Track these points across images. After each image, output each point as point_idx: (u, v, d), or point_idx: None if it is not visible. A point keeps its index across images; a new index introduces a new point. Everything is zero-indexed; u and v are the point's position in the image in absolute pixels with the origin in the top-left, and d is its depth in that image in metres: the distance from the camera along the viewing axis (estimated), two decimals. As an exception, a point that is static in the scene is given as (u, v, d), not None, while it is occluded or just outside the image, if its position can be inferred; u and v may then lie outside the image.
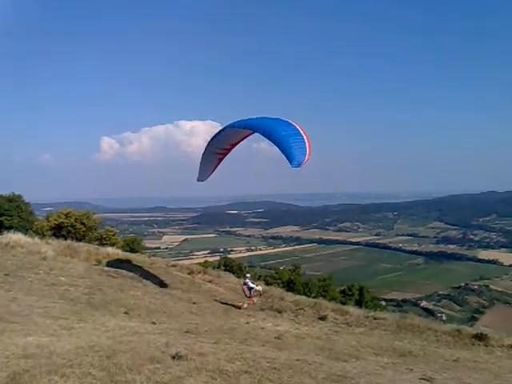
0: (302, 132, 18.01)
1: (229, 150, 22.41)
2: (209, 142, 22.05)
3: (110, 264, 25.79)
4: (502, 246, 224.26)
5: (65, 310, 14.34)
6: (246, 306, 22.15)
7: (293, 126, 18.25)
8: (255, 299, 22.36)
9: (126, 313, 15.97)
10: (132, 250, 41.90)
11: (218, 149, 21.95)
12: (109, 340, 10.98)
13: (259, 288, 22.61)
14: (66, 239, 31.49)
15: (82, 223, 39.52)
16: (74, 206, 47.81)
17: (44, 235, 34.37)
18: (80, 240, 36.06)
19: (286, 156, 17.10)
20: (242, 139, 21.95)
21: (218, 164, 22.57)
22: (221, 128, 22.00)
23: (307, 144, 17.41)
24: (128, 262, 28.02)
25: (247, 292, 22.00)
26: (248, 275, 23.54)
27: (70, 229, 38.71)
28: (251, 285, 22.02)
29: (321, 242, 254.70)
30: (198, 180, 22.57)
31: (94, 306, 16.09)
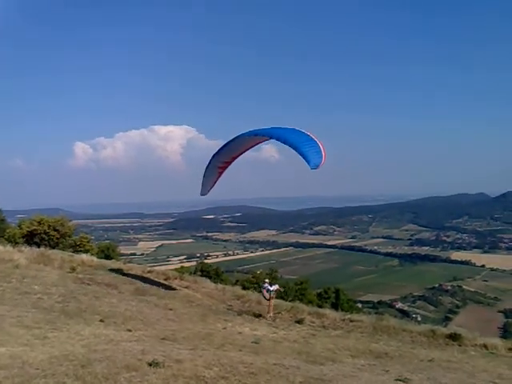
0: (315, 138, 19.18)
1: (229, 164, 23.06)
2: (213, 156, 22.55)
3: (84, 271, 25.41)
4: (474, 247, 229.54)
5: (38, 318, 14.06)
6: (271, 314, 22.08)
7: (306, 133, 19.48)
8: (272, 301, 22.32)
9: (101, 320, 15.74)
10: (107, 257, 41.33)
11: (220, 162, 22.57)
12: (83, 349, 10.83)
13: (277, 286, 22.63)
14: (39, 247, 30.94)
15: (56, 230, 38.85)
16: (47, 213, 46.90)
17: (16, 243, 33.64)
18: (54, 247, 35.47)
19: (304, 159, 18.29)
20: (246, 150, 22.66)
21: (219, 177, 23.25)
22: (225, 141, 22.48)
23: (322, 148, 18.69)
24: (103, 268, 27.65)
25: (266, 295, 22.12)
26: (267, 280, 23.43)
27: (44, 236, 38.01)
28: (270, 288, 22.06)
29: (297, 245, 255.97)
30: (202, 194, 23.43)
31: (68, 314, 15.82)
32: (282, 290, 23.90)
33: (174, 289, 26.33)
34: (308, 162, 18.12)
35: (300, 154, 18.51)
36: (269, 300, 22.11)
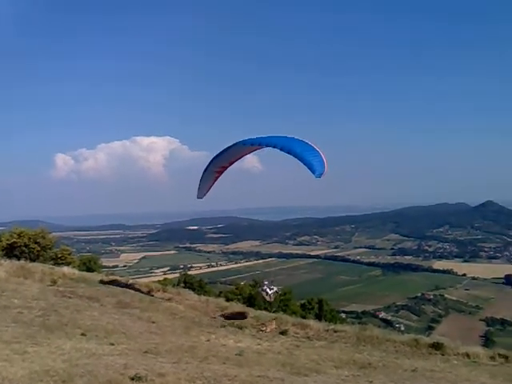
0: (315, 147, 19.69)
1: (225, 168, 23.41)
2: (211, 161, 22.91)
3: (65, 284, 25.07)
4: (456, 256, 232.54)
5: (18, 333, 13.81)
6: (268, 329, 22.15)
7: (306, 142, 19.98)
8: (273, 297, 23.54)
9: (82, 334, 15.51)
10: (89, 270, 40.78)
11: (217, 167, 22.93)
12: (64, 363, 10.66)
13: (275, 289, 23.67)
14: (19, 259, 30.39)
15: (37, 242, 38.25)
16: (27, 225, 46.22)
17: (-5, 256, 33.03)
18: (34, 260, 34.86)
19: (309, 168, 18.83)
20: (242, 157, 23.22)
21: (214, 182, 23.65)
22: (223, 148, 22.81)
23: (323, 157, 19.22)
24: (84, 281, 27.31)
25: (267, 297, 23.18)
26: (266, 282, 24.16)
27: (24, 249, 37.38)
28: (269, 291, 23.11)
29: (281, 256, 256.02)
30: (198, 197, 23.79)
31: (49, 328, 15.56)
32: (279, 292, 24.61)
33: (157, 301, 26.10)
34: (313, 171, 18.62)
35: (304, 164, 19.01)
36: (269, 302, 23.32)
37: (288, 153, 19.51)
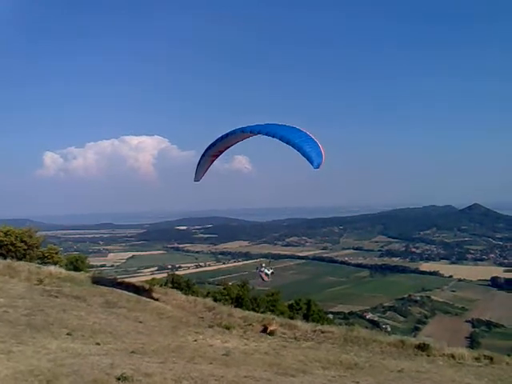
0: (313, 137, 19.74)
1: (222, 153, 23.78)
2: (209, 147, 23.15)
3: (52, 283, 24.87)
4: (442, 258, 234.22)
5: (3, 332, 13.69)
6: (271, 328, 22.34)
7: (305, 132, 20.02)
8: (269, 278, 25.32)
9: (68, 334, 15.41)
10: (76, 269, 40.44)
11: (213, 151, 23.30)
12: (50, 363, 10.59)
13: (272, 270, 25.46)
14: (5, 258, 30.10)
15: (23, 241, 37.89)
16: (15, 224, 45.69)
17: (-19, 255, 32.71)
18: (21, 259, 34.51)
19: (307, 159, 18.87)
20: (239, 142, 23.25)
21: (211, 165, 24.19)
22: (223, 134, 22.95)
23: (321, 147, 19.31)
24: (71, 280, 27.10)
25: (265, 277, 24.70)
26: (263, 264, 25.61)
27: (10, 247, 37.00)
28: (267, 271, 24.89)
29: (269, 256, 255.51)
30: (195, 181, 24.49)
31: (35, 327, 15.43)
32: (274, 273, 26.11)
33: (145, 301, 25.99)
34: (311, 162, 18.67)
35: (302, 154, 19.03)
36: (265, 281, 25.01)
37: (286, 143, 19.54)
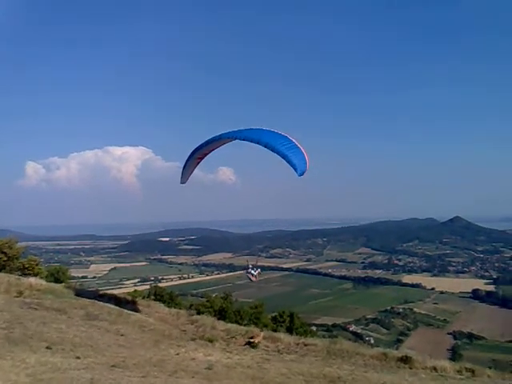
0: (298, 144, 19.82)
1: (206, 155, 24.01)
2: (195, 150, 23.33)
3: (32, 295, 24.46)
4: (424, 271, 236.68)
5: (-20, 346, 13.41)
6: (257, 340, 22.21)
7: (289, 138, 20.06)
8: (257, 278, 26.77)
9: (48, 347, 15.13)
10: (57, 280, 39.86)
11: (199, 154, 23.53)
12: (28, 378, 10.40)
13: (259, 270, 27.08)
14: (-17, 270, 29.59)
15: (3, 252, 37.25)
16: (-6, 234, 44.94)
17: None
18: (0, 270, 33.95)
19: (291, 166, 19.00)
20: (223, 145, 23.48)
21: (196, 166, 24.55)
22: (207, 138, 23.21)
23: (305, 154, 19.43)
24: (52, 293, 26.69)
25: (253, 278, 26.05)
26: (250, 265, 27.03)
27: (-11, 259, 36.36)
28: (254, 272, 26.27)
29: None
30: (181, 183, 24.68)
31: (13, 341, 15.13)
32: (261, 272, 28.03)
33: (127, 313, 25.69)
34: (295, 169, 18.83)
35: (287, 161, 19.15)
36: (253, 281, 26.65)
37: (271, 150, 19.63)
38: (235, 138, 21.66)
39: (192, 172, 24.88)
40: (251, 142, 20.76)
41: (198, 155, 23.91)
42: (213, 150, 23.97)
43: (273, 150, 19.60)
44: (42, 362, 12.68)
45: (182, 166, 24.78)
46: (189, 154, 24.26)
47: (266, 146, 19.81)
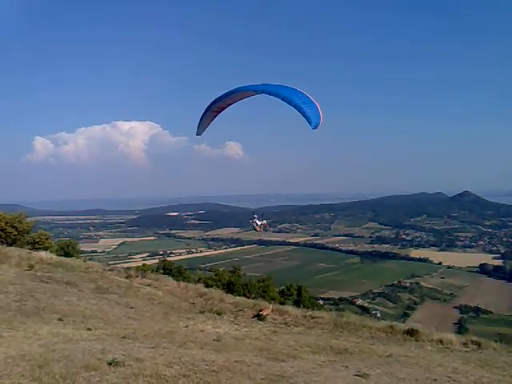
0: (313, 100, 19.83)
1: (224, 109, 23.80)
2: (213, 102, 23.18)
3: (43, 269, 24.82)
4: (432, 245, 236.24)
5: (-7, 318, 13.68)
6: (265, 313, 22.64)
7: (306, 94, 20.11)
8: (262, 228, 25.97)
9: (59, 319, 15.43)
10: (67, 255, 40.40)
11: (216, 107, 23.35)
12: (41, 348, 10.61)
13: (264, 222, 26.26)
14: (-5, 244, 29.99)
15: (14, 227, 37.69)
16: (5, 209, 45.36)
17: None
18: (11, 244, 34.39)
19: (306, 119, 19.13)
20: (241, 99, 23.34)
21: (212, 120, 24.29)
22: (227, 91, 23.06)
23: (319, 110, 19.47)
24: (62, 266, 27.07)
25: (257, 228, 25.38)
26: (255, 215, 26.07)
27: (0, 233, 36.82)
28: (258, 222, 25.58)
29: (261, 243, 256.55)
30: (197, 134, 24.65)
31: (26, 313, 15.43)
32: (267, 226, 27.24)
33: (136, 287, 26.04)
34: (310, 121, 18.98)
35: (302, 114, 19.34)
36: (258, 231, 25.74)
37: (288, 103, 19.76)
38: (253, 91, 21.62)
39: (208, 124, 24.71)
40: (269, 94, 20.80)
41: (214, 108, 23.78)
42: (230, 104, 23.83)
43: (290, 102, 19.72)
44: (54, 333, 12.93)
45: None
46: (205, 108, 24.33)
47: (283, 99, 19.95)
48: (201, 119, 24.20)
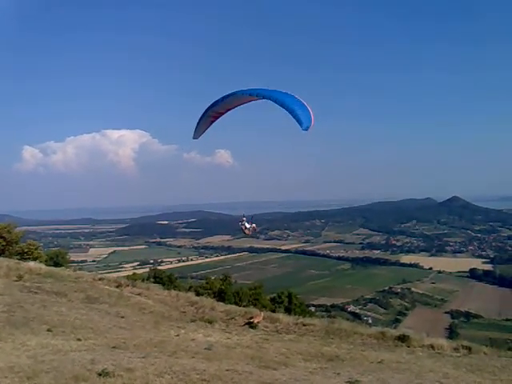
0: (305, 104, 20.09)
1: (222, 114, 23.70)
2: (209, 107, 23.04)
3: (32, 279, 24.59)
4: (422, 250, 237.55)
5: (-19, 330, 13.51)
6: (257, 320, 22.54)
7: (298, 98, 20.39)
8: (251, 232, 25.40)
9: (49, 330, 15.27)
10: (56, 264, 40.08)
11: (213, 112, 23.23)
12: (30, 360, 10.50)
13: (254, 225, 25.51)
14: (-18, 254, 29.67)
15: (2, 237, 37.36)
16: (-8, 219, 45.07)
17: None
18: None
19: (297, 120, 19.22)
20: (237, 106, 23.27)
21: (210, 125, 24.10)
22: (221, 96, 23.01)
23: (311, 113, 19.70)
24: (52, 276, 26.83)
25: (246, 230, 24.81)
26: (244, 218, 25.64)
27: (-12, 243, 36.50)
28: (247, 225, 24.96)
29: (252, 250, 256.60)
30: (194, 138, 24.42)
31: (14, 324, 15.26)
32: (257, 229, 26.42)
33: (126, 296, 25.86)
34: (300, 123, 19.10)
35: (294, 117, 19.48)
36: (246, 234, 25.08)
37: (281, 105, 19.98)
38: (249, 95, 21.81)
39: (205, 130, 24.54)
40: (263, 98, 21.07)
41: (211, 113, 23.85)
42: (228, 109, 23.90)
43: (282, 104, 19.96)
44: (43, 344, 12.81)
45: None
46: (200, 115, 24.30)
47: (275, 101, 20.20)
48: (198, 123, 24.28)
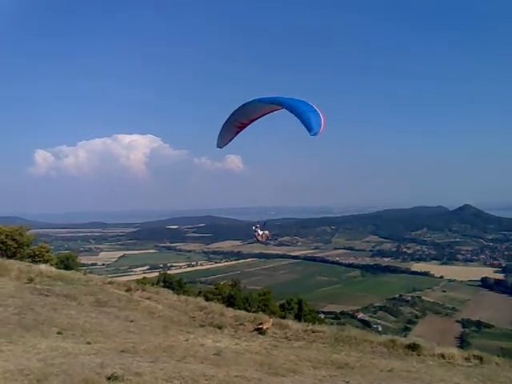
0: (318, 110, 20.15)
1: (247, 125, 23.64)
2: (231, 115, 23.15)
3: (42, 282, 24.73)
4: (433, 259, 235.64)
5: (-8, 332, 13.60)
6: (266, 326, 22.48)
7: (311, 105, 20.45)
8: (264, 239, 25.72)
9: (59, 333, 15.34)
10: (67, 267, 40.33)
11: (237, 122, 23.28)
12: (40, 363, 10.54)
13: (267, 232, 25.73)
14: (-5, 257, 29.93)
15: (14, 239, 37.67)
16: (5, 222, 45.47)
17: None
18: (11, 257, 34.32)
19: (305, 125, 19.30)
20: (261, 116, 23.28)
21: (235, 136, 24.04)
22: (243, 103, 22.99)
23: (322, 119, 19.73)
24: (62, 279, 26.96)
25: (259, 238, 25.12)
26: (258, 224, 25.73)
27: (1, 245, 36.80)
28: (260, 232, 25.18)
29: (261, 256, 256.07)
30: (218, 146, 24.40)
31: (25, 326, 15.35)
32: (269, 236, 26.66)
33: (136, 300, 25.90)
34: (309, 129, 19.15)
35: (302, 122, 19.56)
36: (259, 241, 25.85)
37: (291, 112, 20.11)
38: (267, 103, 21.84)
39: (231, 139, 24.39)
40: (280, 104, 21.19)
41: (235, 122, 23.74)
42: (253, 120, 23.85)
43: (293, 110, 20.01)
44: (53, 347, 12.86)
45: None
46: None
47: (287, 108, 20.34)
48: (221, 131, 24.20)
